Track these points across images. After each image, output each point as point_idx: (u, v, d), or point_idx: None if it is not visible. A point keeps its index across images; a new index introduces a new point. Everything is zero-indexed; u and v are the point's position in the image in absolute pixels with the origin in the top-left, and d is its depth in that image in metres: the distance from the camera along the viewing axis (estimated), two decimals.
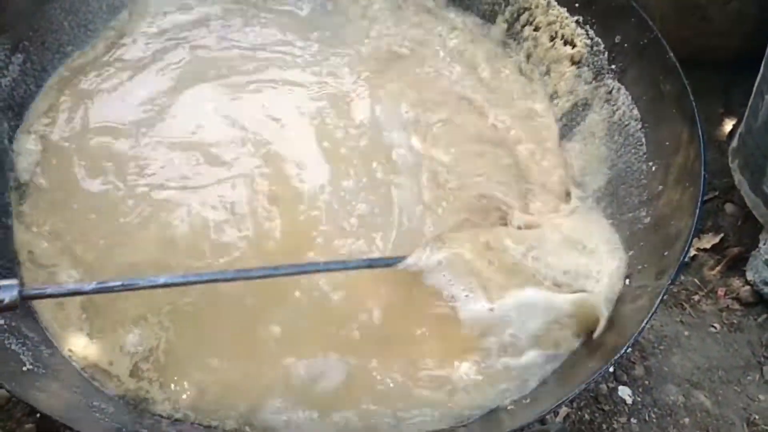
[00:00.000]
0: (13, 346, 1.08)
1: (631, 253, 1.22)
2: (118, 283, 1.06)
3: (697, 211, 1.11)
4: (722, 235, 1.79)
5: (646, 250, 1.20)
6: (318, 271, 1.17)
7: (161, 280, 1.08)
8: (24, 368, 1.05)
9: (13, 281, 0.99)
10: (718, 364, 1.57)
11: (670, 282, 1.06)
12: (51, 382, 1.08)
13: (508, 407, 1.11)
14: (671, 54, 1.30)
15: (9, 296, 0.98)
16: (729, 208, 1.84)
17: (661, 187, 1.26)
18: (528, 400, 1.09)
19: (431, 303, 1.19)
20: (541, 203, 1.37)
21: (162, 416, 1.11)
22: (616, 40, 1.42)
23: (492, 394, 1.14)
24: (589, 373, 1.02)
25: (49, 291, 1.05)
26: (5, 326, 1.11)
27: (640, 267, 1.19)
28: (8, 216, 1.30)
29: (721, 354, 1.59)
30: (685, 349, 1.59)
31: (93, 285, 1.05)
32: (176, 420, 1.11)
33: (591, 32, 1.48)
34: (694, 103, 1.22)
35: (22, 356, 1.08)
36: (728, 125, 1.99)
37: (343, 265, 1.19)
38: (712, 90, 2.03)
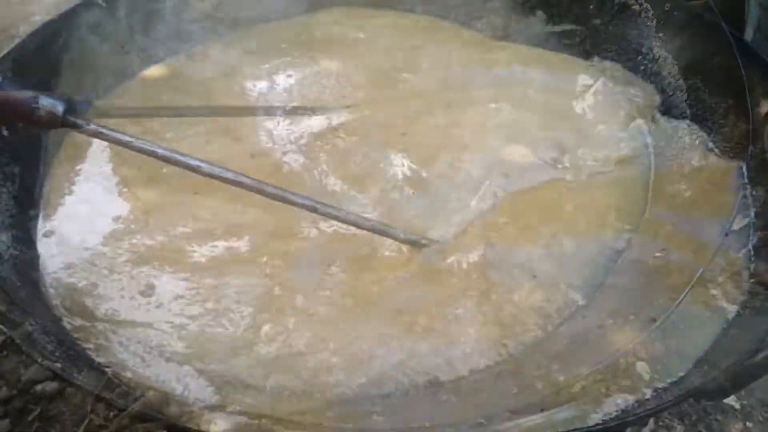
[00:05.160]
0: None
1: (669, 227, 1.18)
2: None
3: (742, 189, 1.08)
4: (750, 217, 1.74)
5: (685, 226, 1.17)
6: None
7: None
8: None
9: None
10: None
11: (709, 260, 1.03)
12: None
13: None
14: (723, 24, 1.25)
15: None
16: (757, 189, 1.79)
17: (703, 161, 1.22)
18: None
19: None
20: None
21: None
22: (666, 8, 1.37)
23: None
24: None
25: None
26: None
27: (678, 241, 1.15)
28: None
29: None
30: None
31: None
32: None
33: None
34: (744, 76, 1.18)
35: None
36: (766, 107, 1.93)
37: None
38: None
